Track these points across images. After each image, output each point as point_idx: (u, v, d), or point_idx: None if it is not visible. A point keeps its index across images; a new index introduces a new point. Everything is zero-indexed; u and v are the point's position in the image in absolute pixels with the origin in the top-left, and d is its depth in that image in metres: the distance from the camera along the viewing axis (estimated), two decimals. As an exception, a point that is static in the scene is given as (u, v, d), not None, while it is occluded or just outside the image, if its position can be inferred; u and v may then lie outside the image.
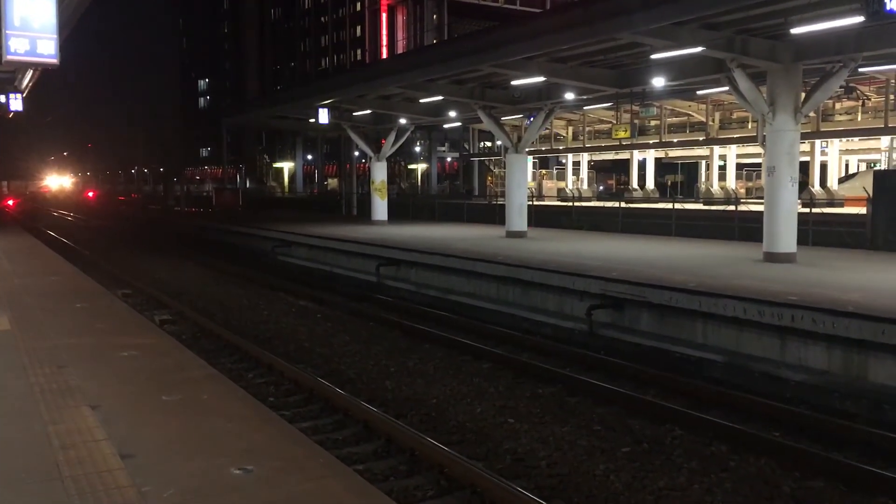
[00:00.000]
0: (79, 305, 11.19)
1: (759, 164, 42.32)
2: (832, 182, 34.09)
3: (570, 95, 21.13)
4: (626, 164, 46.36)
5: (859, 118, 31.20)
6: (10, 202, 67.46)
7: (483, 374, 10.52)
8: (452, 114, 27.18)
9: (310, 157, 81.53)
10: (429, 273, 17.15)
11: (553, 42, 15.92)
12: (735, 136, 35.95)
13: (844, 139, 33.95)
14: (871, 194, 17.79)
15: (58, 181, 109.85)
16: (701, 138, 37.24)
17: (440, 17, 73.85)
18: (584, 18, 14.79)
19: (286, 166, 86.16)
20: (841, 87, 21.61)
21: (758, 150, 33.35)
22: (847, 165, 42.69)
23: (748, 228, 19.76)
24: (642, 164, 44.08)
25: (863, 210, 18.97)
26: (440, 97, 23.49)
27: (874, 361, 8.90)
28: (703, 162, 44.35)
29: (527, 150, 23.88)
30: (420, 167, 71.99)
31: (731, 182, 38.80)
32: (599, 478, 6.88)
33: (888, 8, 10.78)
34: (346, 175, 44.83)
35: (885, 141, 33.45)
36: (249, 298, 17.11)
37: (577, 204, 32.46)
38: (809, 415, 8.35)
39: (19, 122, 56.42)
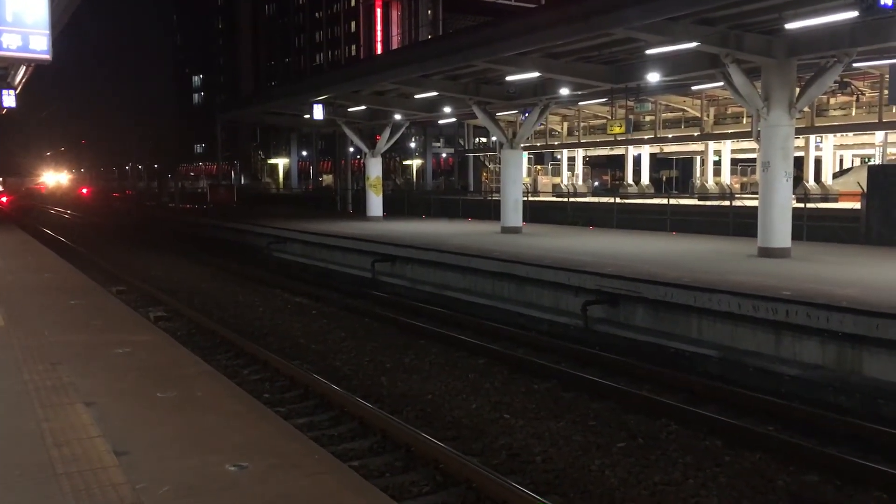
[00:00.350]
0: (73, 302, 11.15)
1: (753, 160, 42.32)
2: (827, 177, 34.16)
3: (564, 91, 21.12)
4: (621, 159, 46.38)
5: (853, 113, 31.24)
6: (4, 199, 67.12)
7: (478, 369, 10.53)
8: (447, 109, 27.15)
9: (305, 153, 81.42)
10: (424, 269, 17.15)
11: (548, 37, 15.90)
12: (730, 131, 35.98)
13: (839, 134, 34.05)
14: (865, 189, 17.85)
15: (55, 178, 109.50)
16: (696, 134, 37.27)
17: (435, 12, 73.81)
18: (578, 14, 14.77)
19: (281, 162, 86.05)
20: (835, 82, 21.72)
21: (752, 145, 33.32)
22: (841, 160, 42.83)
23: (743, 224, 19.79)
24: (637, 160, 44.09)
25: (857, 205, 19.02)
26: (435, 93, 23.46)
27: (868, 356, 8.92)
28: (698, 157, 44.42)
29: (522, 145, 23.85)
30: (415, 163, 72.00)
31: (725, 177, 38.85)
32: (595, 473, 6.89)
33: (882, 3, 10.80)
34: (341, 171, 44.71)
35: (879, 136, 33.57)
36: (244, 295, 17.08)
37: (572, 200, 32.50)
38: (804, 409, 8.38)
39: (13, 118, 56.23)
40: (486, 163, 54.00)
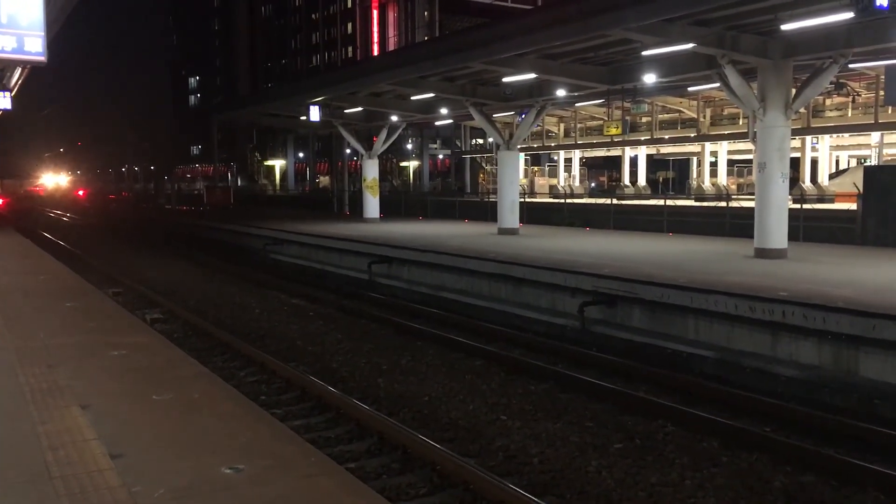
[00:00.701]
0: (69, 304, 11.12)
1: (750, 161, 42.40)
2: (823, 178, 34.21)
3: (561, 92, 21.12)
4: (617, 160, 46.39)
5: (850, 114, 31.30)
6: (1, 202, 66.81)
7: (475, 371, 10.52)
8: (444, 111, 27.14)
9: (301, 154, 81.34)
10: (421, 270, 17.14)
11: (544, 39, 15.91)
12: (726, 132, 36.03)
13: (835, 135, 34.07)
14: (861, 190, 17.87)
15: (53, 180, 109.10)
16: (692, 135, 37.31)
17: (431, 13, 73.79)
18: (575, 15, 14.78)
19: (278, 164, 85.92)
20: (831, 83, 21.74)
21: (749, 146, 33.43)
22: (837, 161, 42.87)
23: (739, 224, 19.80)
24: (634, 161, 44.13)
25: (853, 206, 19.06)
26: (432, 94, 23.45)
27: (865, 356, 8.93)
28: (695, 158, 44.43)
29: (518, 146, 23.86)
30: (412, 164, 71.92)
31: (722, 178, 38.90)
32: (592, 474, 6.88)
33: (877, 4, 10.81)
34: (338, 172, 44.68)
35: (875, 137, 33.59)
36: (241, 296, 17.06)
37: (568, 201, 32.50)
38: (801, 410, 8.38)
39: (9, 120, 56.11)
40: (483, 164, 53.99)
